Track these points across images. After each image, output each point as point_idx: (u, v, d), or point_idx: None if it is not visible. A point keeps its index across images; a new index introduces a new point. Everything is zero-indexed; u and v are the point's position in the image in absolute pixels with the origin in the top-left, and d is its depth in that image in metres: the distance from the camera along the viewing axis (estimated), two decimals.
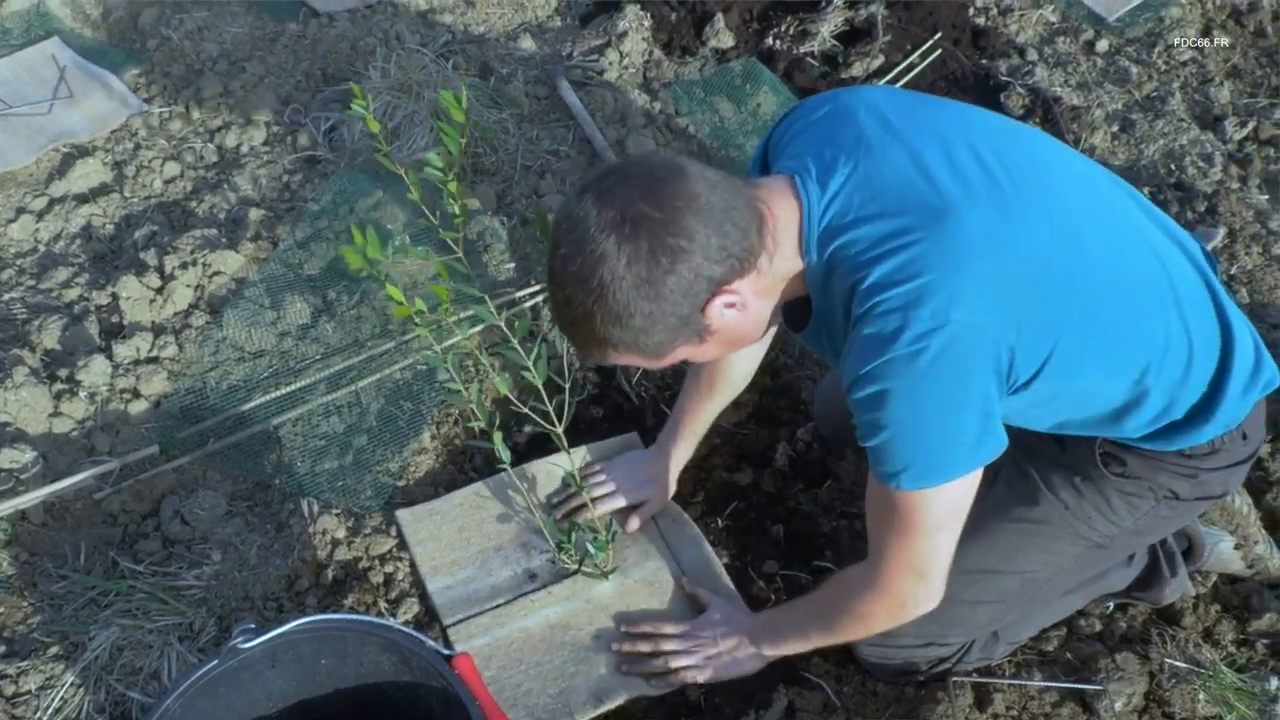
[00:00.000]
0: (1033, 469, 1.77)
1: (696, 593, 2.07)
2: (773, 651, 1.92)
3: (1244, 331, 1.65)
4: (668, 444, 2.18)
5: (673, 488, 2.21)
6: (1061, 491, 1.74)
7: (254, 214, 2.82)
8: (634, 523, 2.19)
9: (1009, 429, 1.52)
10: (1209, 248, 1.79)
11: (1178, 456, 1.65)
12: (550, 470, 2.28)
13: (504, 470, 2.07)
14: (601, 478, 2.22)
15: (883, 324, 1.40)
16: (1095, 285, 1.49)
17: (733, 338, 1.56)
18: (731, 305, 1.47)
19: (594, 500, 2.18)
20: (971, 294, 1.39)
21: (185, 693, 1.63)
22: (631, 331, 1.43)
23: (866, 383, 1.43)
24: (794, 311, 1.63)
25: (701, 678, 1.94)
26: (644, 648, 1.99)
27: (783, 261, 1.51)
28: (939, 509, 1.52)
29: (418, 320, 1.84)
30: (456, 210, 1.90)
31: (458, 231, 1.90)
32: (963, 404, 1.43)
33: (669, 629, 2.00)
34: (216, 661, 1.66)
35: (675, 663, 1.95)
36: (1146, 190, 2.79)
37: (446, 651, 1.69)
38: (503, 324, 2.00)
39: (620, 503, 2.20)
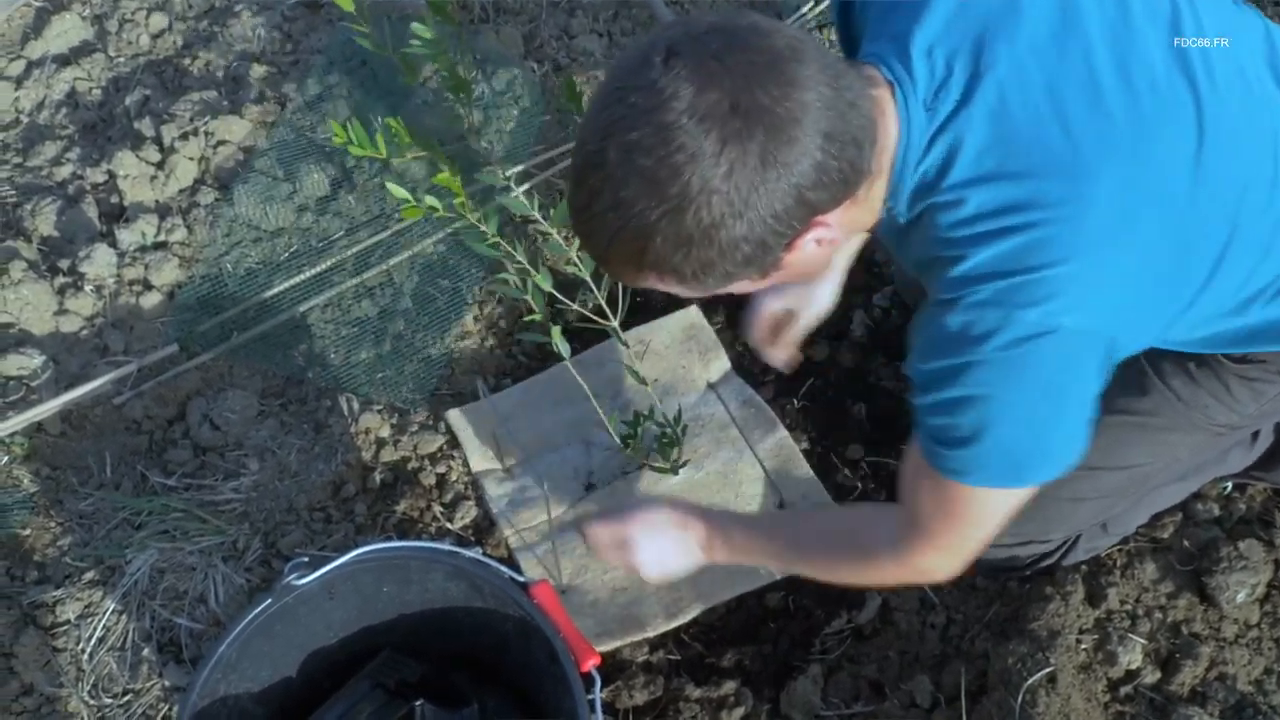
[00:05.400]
0: (1140, 354, 1.54)
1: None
2: (728, 546, 1.60)
3: None
4: None
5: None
6: (1173, 380, 1.51)
7: (256, 70, 2.53)
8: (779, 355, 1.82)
9: None
10: None
11: None
12: (602, 357, 2.08)
13: (560, 361, 1.83)
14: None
15: (976, 318, 1.14)
16: (1238, 238, 1.24)
17: (797, 274, 1.24)
18: (820, 241, 1.16)
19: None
20: (1093, 297, 1.14)
21: (240, 636, 1.50)
22: (695, 260, 1.09)
23: (945, 383, 1.19)
24: None
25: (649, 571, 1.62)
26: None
27: (879, 191, 1.21)
28: (999, 508, 1.33)
29: (444, 211, 1.58)
30: (458, 86, 1.58)
31: (466, 112, 1.59)
32: (1059, 414, 1.22)
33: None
34: (270, 600, 1.52)
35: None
36: None
37: (523, 579, 1.54)
38: (533, 208, 1.70)
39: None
